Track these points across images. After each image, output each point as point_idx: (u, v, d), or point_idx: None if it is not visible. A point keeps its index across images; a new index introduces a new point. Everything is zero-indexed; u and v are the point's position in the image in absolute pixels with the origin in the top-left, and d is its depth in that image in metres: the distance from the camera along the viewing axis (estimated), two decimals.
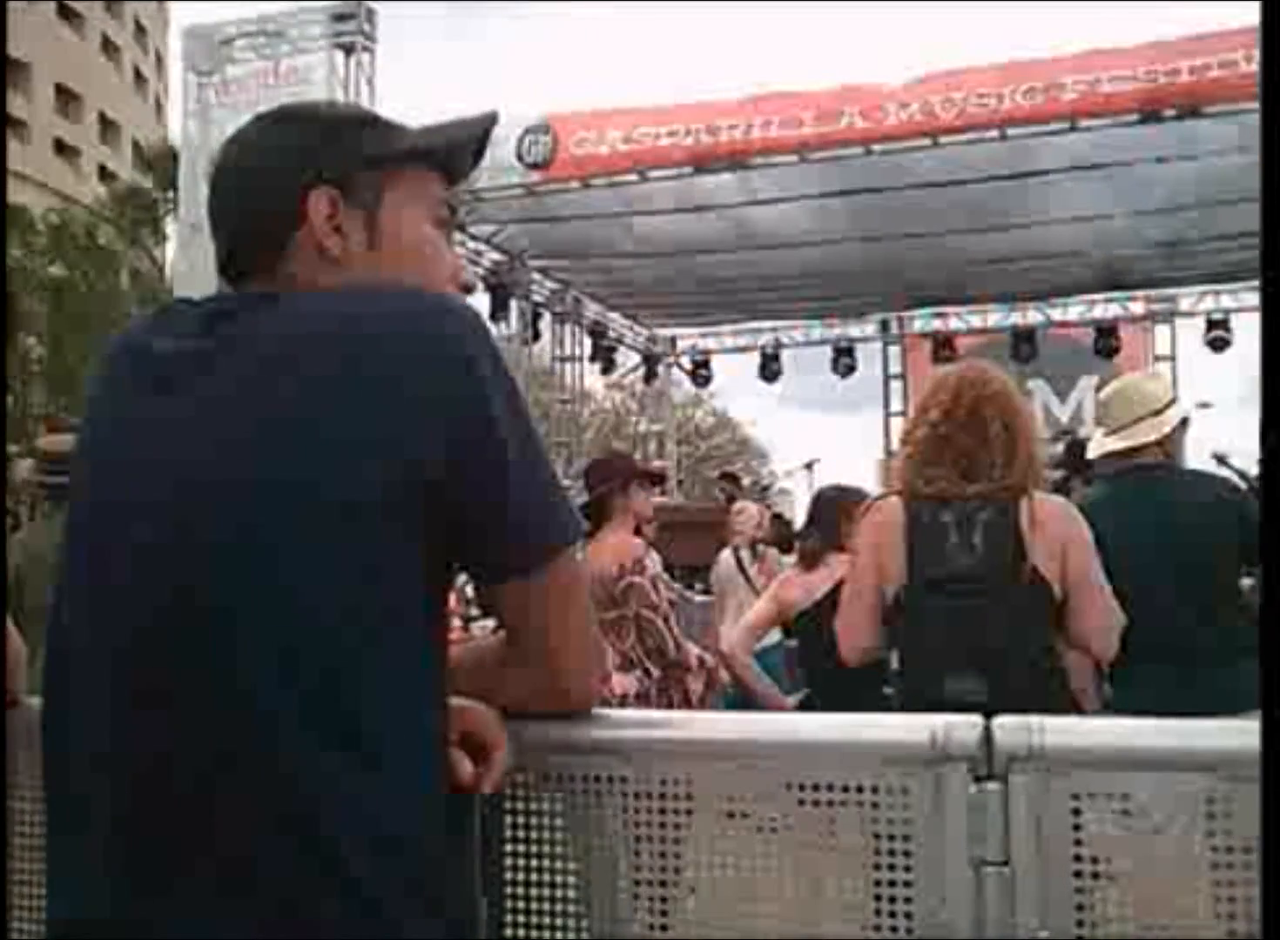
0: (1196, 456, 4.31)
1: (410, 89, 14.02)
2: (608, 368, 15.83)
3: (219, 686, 1.10)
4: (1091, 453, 3.66)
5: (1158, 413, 3.45)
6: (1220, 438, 5.94)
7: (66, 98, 42.76)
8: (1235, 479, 4.12)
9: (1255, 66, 7.97)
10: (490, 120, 1.40)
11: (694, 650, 4.14)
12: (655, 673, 3.87)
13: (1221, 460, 4.19)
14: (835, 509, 4.20)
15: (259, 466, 1.12)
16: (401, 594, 1.14)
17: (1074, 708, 2.72)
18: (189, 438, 1.16)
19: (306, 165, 1.27)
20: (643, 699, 3.84)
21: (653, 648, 3.89)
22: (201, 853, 1.10)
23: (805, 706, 4.16)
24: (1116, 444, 3.47)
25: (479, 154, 1.39)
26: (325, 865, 1.08)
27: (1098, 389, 13.50)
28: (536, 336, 14.26)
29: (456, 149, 1.37)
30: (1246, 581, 3.42)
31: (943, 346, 14.39)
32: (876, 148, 9.88)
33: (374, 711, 1.11)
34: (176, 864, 1.10)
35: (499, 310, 12.93)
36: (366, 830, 1.09)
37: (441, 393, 1.14)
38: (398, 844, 1.11)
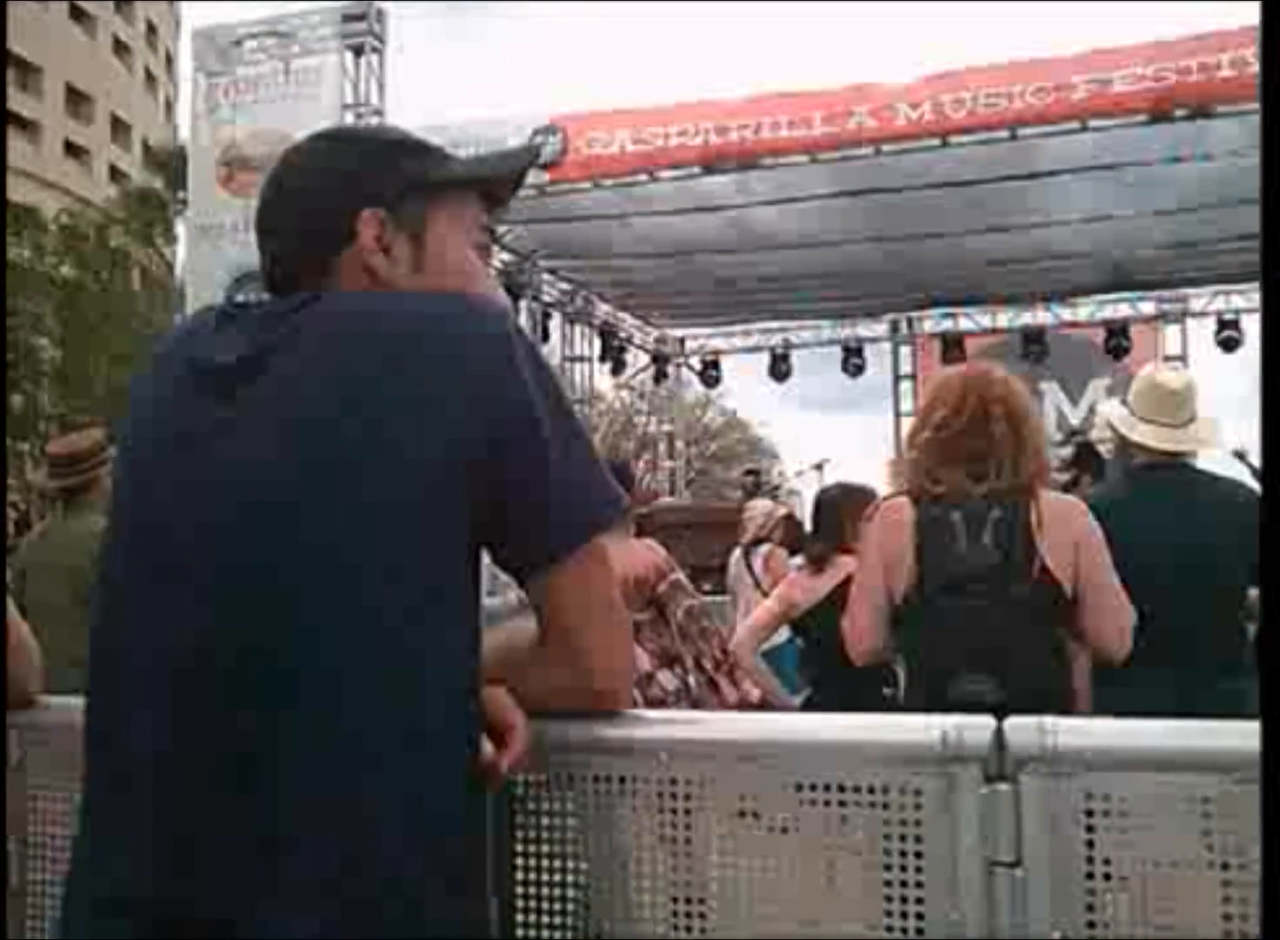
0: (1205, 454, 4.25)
1: (411, 89, 13.98)
2: (617, 368, 15.84)
3: (265, 669, 1.13)
4: (1138, 436, 3.38)
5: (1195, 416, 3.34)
6: (1231, 437, 5.88)
7: (77, 98, 42.88)
8: (1250, 477, 4.03)
9: None
10: (533, 153, 1.49)
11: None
12: (694, 671, 3.81)
13: (1241, 457, 4.12)
14: (837, 511, 4.21)
15: (302, 468, 1.15)
16: (443, 590, 1.17)
17: (1072, 708, 2.71)
18: (237, 441, 1.19)
19: (357, 186, 1.31)
20: (684, 694, 3.76)
21: (706, 635, 3.82)
22: (244, 832, 1.12)
23: (808, 706, 4.15)
24: (1172, 445, 3.31)
25: (519, 184, 1.44)
26: (364, 844, 1.10)
27: (1109, 390, 13.52)
28: (546, 337, 14.27)
29: (500, 179, 1.43)
30: (1255, 591, 3.31)
31: (953, 347, 14.37)
32: (886, 148, 9.85)
33: (420, 694, 1.14)
34: (219, 843, 1.12)
35: None
36: (406, 810, 1.12)
37: (484, 393, 1.16)
38: (434, 824, 1.13)
